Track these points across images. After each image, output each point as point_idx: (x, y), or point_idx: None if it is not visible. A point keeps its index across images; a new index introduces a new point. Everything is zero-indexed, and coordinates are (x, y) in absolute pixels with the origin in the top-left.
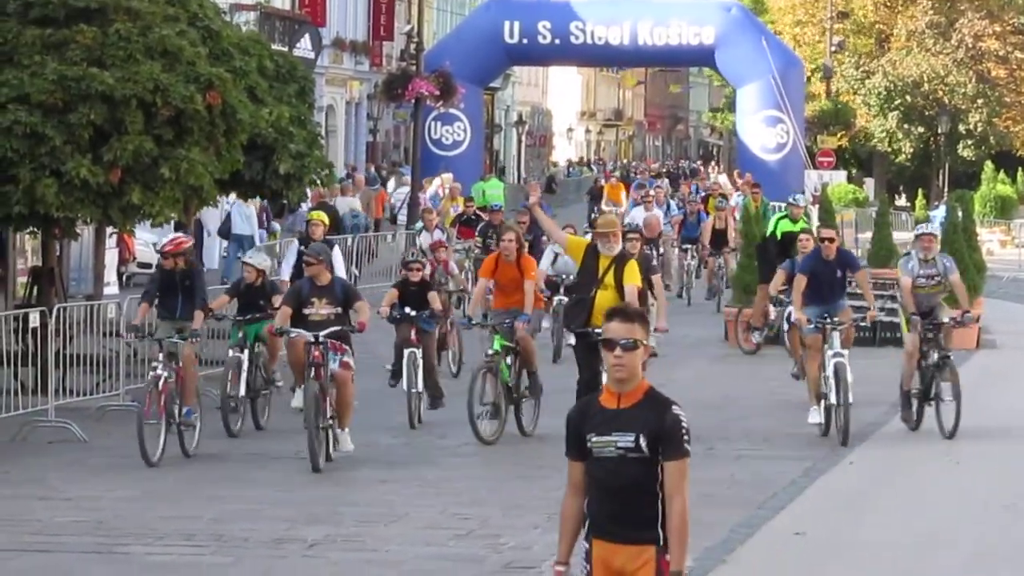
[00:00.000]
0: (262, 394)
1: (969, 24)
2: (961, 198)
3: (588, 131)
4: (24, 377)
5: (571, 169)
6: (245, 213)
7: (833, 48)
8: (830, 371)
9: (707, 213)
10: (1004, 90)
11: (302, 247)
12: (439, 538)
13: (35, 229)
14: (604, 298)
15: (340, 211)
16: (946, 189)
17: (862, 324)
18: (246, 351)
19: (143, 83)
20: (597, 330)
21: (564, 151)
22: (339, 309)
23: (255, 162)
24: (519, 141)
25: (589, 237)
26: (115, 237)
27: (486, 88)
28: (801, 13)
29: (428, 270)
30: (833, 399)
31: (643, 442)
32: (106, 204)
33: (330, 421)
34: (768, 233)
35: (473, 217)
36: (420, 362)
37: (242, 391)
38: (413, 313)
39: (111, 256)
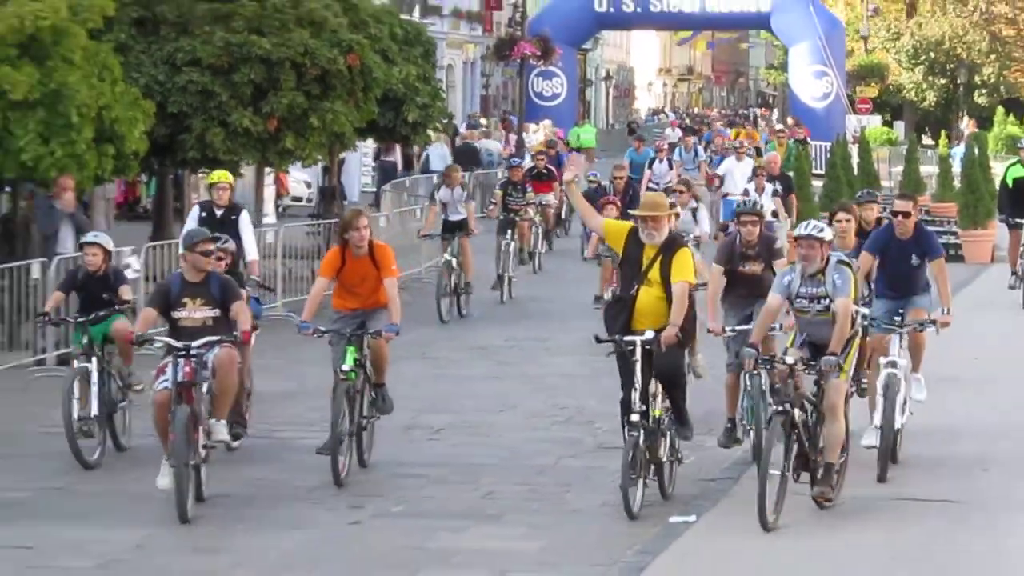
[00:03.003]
0: (119, 407)
1: None
2: (977, 138)
3: (665, 84)
4: None
5: (651, 117)
6: (440, 153)
7: (869, 13)
8: (880, 383)
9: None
10: (1013, 47)
11: (203, 213)
12: (542, 424)
13: (206, 170)
14: (648, 297)
15: (480, 149)
16: (964, 130)
17: (923, 329)
18: (94, 359)
19: (295, 48)
20: (628, 337)
21: (645, 101)
22: (217, 311)
23: (387, 112)
24: (607, 93)
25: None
26: (272, 175)
27: (579, 49)
28: None
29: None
30: (877, 419)
31: None
32: (264, 148)
33: (203, 452)
34: (1001, 181)
35: (545, 172)
36: None
37: (95, 409)
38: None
39: (269, 191)
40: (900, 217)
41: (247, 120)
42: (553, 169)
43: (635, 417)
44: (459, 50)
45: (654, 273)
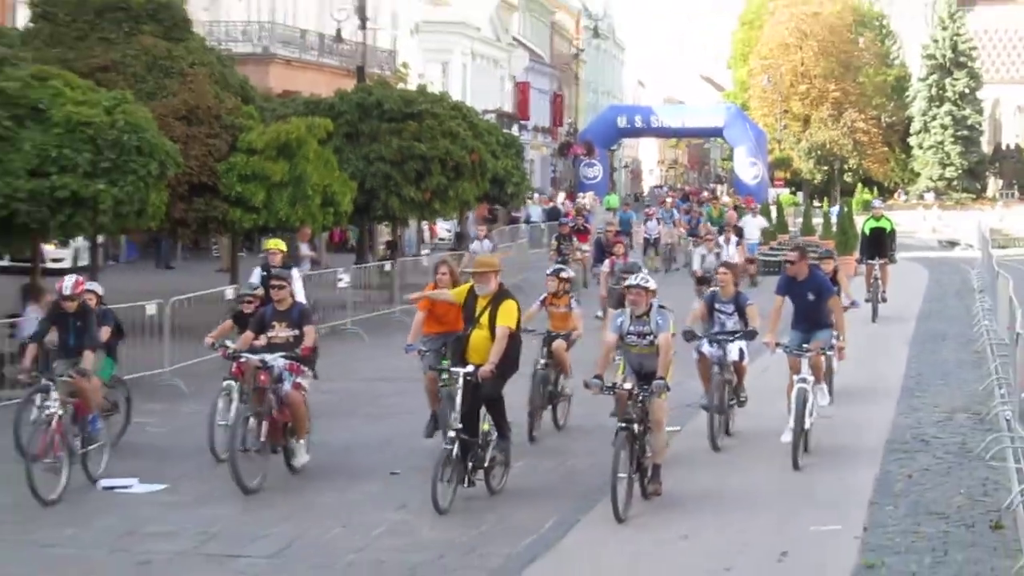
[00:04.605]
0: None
1: (849, 115)
2: (847, 202)
3: (660, 170)
4: (379, 296)
5: (653, 189)
6: (537, 212)
7: (781, 127)
8: (793, 396)
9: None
10: (867, 148)
11: (264, 272)
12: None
13: (388, 223)
14: (478, 337)
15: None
16: (839, 197)
17: (824, 352)
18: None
19: (440, 150)
20: (458, 368)
21: (648, 180)
22: (296, 332)
23: (494, 188)
24: (626, 176)
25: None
26: (427, 225)
27: (609, 149)
28: (764, 111)
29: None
30: (791, 423)
31: None
32: (423, 210)
33: (266, 442)
34: (860, 231)
35: (582, 228)
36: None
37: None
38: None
39: (426, 234)
40: (789, 264)
41: (412, 193)
42: (588, 225)
43: (451, 433)
44: (538, 151)
45: (484, 318)
